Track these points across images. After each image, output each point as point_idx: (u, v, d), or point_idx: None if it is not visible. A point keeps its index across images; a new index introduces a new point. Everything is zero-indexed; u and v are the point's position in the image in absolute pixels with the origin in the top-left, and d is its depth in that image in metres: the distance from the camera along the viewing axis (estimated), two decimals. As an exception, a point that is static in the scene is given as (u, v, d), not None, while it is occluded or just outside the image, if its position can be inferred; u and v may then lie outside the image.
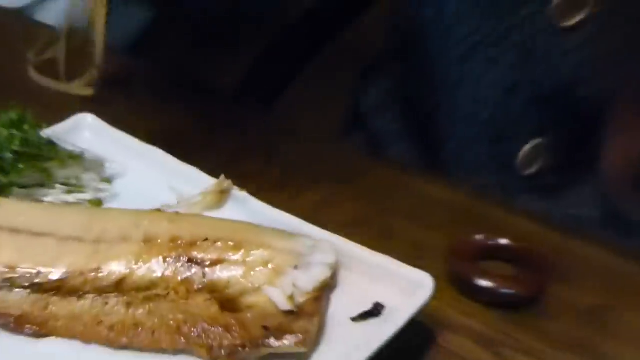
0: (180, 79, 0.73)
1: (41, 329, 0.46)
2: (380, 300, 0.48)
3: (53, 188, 0.55)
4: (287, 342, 0.45)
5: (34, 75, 0.69)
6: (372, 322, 0.47)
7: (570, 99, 0.64)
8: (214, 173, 0.57)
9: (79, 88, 0.66)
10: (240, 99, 0.74)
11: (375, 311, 0.48)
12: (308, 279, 0.48)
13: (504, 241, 0.55)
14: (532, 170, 0.68)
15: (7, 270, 0.47)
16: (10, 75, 0.72)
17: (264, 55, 0.76)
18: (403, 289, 0.48)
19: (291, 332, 0.45)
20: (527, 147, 0.67)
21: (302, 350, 0.45)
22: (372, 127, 0.78)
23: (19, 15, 0.93)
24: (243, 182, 0.56)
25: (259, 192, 0.56)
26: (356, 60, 0.83)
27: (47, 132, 0.58)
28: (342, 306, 0.48)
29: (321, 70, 0.89)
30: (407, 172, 0.67)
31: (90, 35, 0.61)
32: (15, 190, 0.54)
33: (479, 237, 0.56)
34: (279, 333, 0.45)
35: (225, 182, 0.56)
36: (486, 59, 0.65)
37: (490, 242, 0.55)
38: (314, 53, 0.87)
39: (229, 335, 0.46)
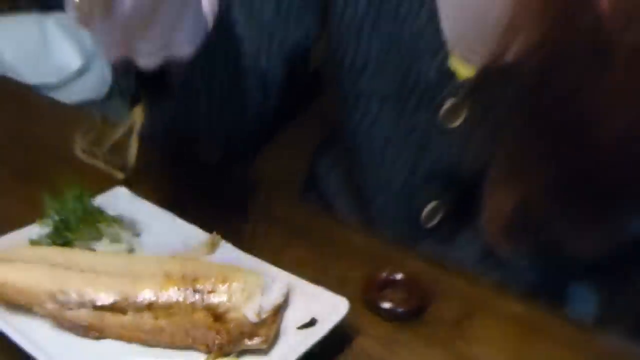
0: (177, 155, 0.76)
1: (100, 334, 0.56)
2: (315, 316, 0.57)
3: (101, 240, 0.63)
4: (255, 342, 0.55)
5: (79, 154, 0.75)
6: (310, 330, 0.56)
7: (457, 173, 0.72)
8: (208, 229, 0.65)
9: (115, 171, 0.72)
10: (223, 168, 0.77)
11: (312, 323, 0.57)
12: (269, 302, 0.56)
13: (399, 275, 0.64)
14: (433, 223, 0.76)
15: (78, 297, 0.57)
16: (60, 154, 0.78)
17: (241, 132, 0.78)
18: (330, 308, 0.57)
19: (258, 336, 0.55)
20: (428, 207, 0.75)
21: (264, 347, 0.55)
22: (322, 188, 0.87)
23: (65, 104, 0.98)
24: (227, 235, 0.64)
25: (238, 242, 0.64)
26: (315, 134, 0.91)
27: (96, 201, 0.66)
28: (290, 319, 0.57)
29: (285, 143, 0.95)
30: (341, 224, 0.75)
31: (127, 129, 0.67)
32: (77, 243, 0.63)
33: (384, 272, 0.64)
34: (250, 336, 0.55)
35: (216, 237, 0.64)
36: (397, 149, 0.74)
37: (390, 277, 0.64)
38: (283, 126, 0.93)
39: (219, 337, 0.55)
